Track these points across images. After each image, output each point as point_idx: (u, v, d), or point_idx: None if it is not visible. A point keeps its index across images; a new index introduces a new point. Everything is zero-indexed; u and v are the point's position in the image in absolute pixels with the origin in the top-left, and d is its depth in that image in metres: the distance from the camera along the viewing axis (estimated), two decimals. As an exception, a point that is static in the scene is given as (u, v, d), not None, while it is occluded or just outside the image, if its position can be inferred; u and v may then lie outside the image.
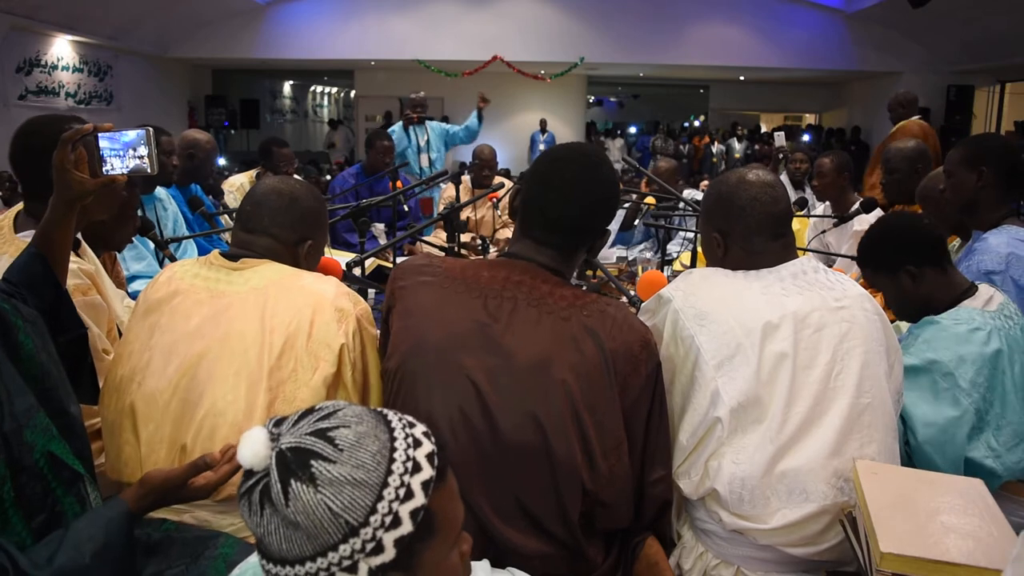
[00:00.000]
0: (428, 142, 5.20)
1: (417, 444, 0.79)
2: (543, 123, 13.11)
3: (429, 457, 0.78)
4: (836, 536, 1.31)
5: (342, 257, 2.50)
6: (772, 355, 1.33)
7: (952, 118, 11.11)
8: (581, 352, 1.22)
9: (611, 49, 11.36)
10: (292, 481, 0.73)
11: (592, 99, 17.29)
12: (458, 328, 1.24)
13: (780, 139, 5.47)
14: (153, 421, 1.33)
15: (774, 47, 11.27)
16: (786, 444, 1.31)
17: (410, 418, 0.82)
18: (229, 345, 1.33)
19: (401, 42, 11.22)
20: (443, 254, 2.44)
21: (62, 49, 9.12)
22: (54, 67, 8.99)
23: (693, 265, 2.71)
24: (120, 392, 1.37)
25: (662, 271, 2.83)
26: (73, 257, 1.55)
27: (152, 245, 2.47)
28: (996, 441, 1.58)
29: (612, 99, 19.96)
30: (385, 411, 0.82)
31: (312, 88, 20.38)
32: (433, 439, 0.81)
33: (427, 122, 5.36)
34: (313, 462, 0.73)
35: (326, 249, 2.78)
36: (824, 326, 1.35)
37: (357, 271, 2.31)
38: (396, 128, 5.28)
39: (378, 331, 1.45)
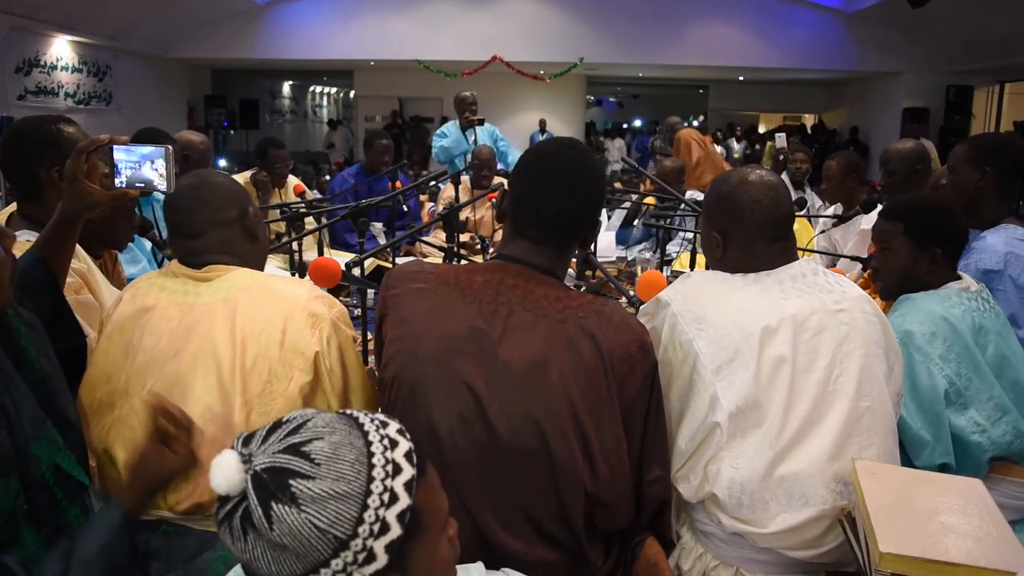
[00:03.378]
0: (475, 143, 4.94)
1: (394, 444, 0.77)
2: (543, 123, 13.09)
3: (408, 456, 0.77)
4: (836, 539, 1.31)
5: (341, 257, 2.50)
6: (771, 359, 1.32)
7: (952, 118, 11.11)
8: (578, 354, 1.21)
9: (611, 49, 11.35)
10: (273, 504, 0.71)
11: (592, 99, 17.28)
12: (454, 335, 1.23)
13: (781, 140, 5.46)
14: (134, 444, 1.29)
15: (774, 47, 11.26)
16: (785, 448, 1.30)
17: (382, 417, 0.80)
18: (202, 361, 1.29)
19: (401, 42, 11.20)
20: (442, 255, 2.43)
21: (61, 49, 9.11)
22: (53, 67, 8.98)
23: (693, 266, 2.70)
24: (98, 417, 1.33)
25: (661, 271, 2.82)
26: None
27: (148, 246, 2.46)
28: (981, 416, 1.61)
29: (612, 99, 19.96)
30: (355, 414, 0.80)
31: (311, 88, 20.37)
32: (408, 435, 0.79)
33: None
34: (291, 481, 0.71)
35: (326, 249, 2.80)
36: (823, 329, 1.35)
37: (357, 271, 2.30)
38: (451, 131, 5.02)
39: (357, 332, 1.43)
